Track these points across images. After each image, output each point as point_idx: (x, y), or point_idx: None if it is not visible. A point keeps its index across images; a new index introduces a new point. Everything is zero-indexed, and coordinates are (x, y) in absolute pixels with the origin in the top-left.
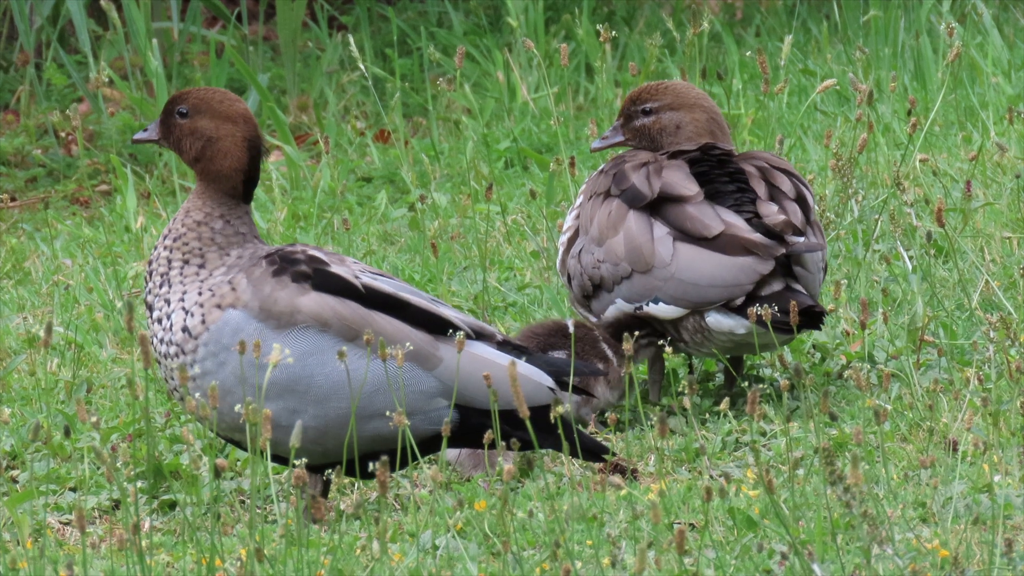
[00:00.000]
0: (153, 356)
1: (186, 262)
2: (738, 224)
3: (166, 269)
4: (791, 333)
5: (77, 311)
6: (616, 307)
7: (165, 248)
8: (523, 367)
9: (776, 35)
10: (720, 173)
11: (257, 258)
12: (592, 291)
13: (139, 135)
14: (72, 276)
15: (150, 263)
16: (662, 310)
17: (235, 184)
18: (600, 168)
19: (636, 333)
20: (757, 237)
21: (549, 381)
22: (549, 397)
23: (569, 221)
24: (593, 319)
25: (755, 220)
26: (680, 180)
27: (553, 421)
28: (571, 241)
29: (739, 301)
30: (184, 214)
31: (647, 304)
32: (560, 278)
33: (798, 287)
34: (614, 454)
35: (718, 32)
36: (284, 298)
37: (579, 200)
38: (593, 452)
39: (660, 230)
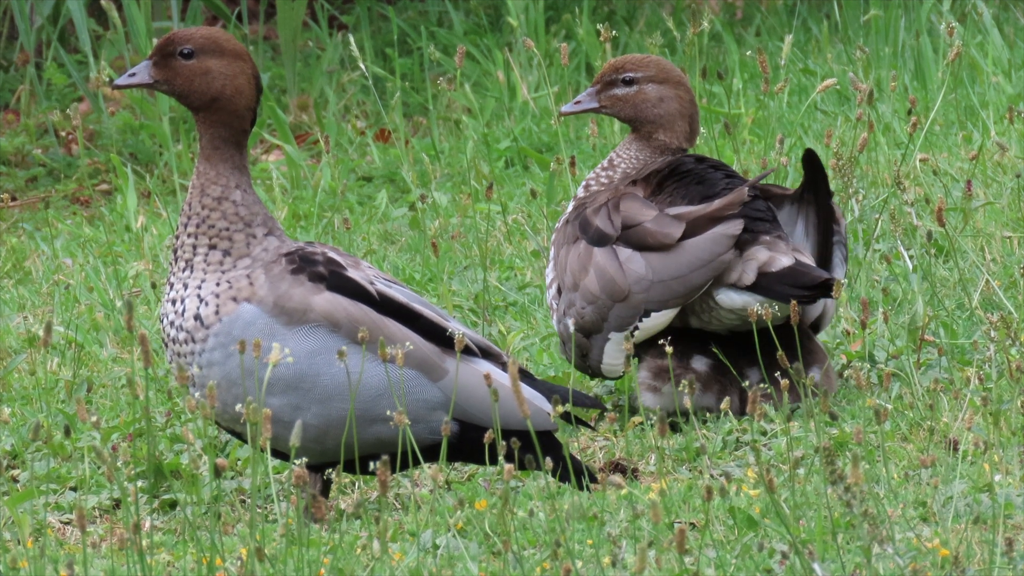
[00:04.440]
0: (158, 339)
1: (212, 247)
2: (693, 209)
3: (191, 255)
4: (804, 303)
5: (77, 310)
6: (613, 343)
7: (189, 235)
8: (525, 389)
9: (776, 35)
10: (705, 166)
11: (278, 255)
12: (587, 343)
13: (124, 80)
14: (72, 275)
15: (175, 251)
16: (655, 321)
17: (246, 125)
18: (564, 217)
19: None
20: (715, 204)
21: (549, 408)
22: (548, 423)
23: (549, 275)
24: (597, 389)
25: (706, 201)
26: (638, 209)
27: (553, 420)
28: (559, 292)
29: (749, 279)
30: (200, 194)
31: (640, 320)
32: (560, 348)
33: (807, 260)
34: (594, 479)
35: (718, 32)
36: (298, 295)
37: (552, 252)
38: (581, 475)
39: (624, 252)
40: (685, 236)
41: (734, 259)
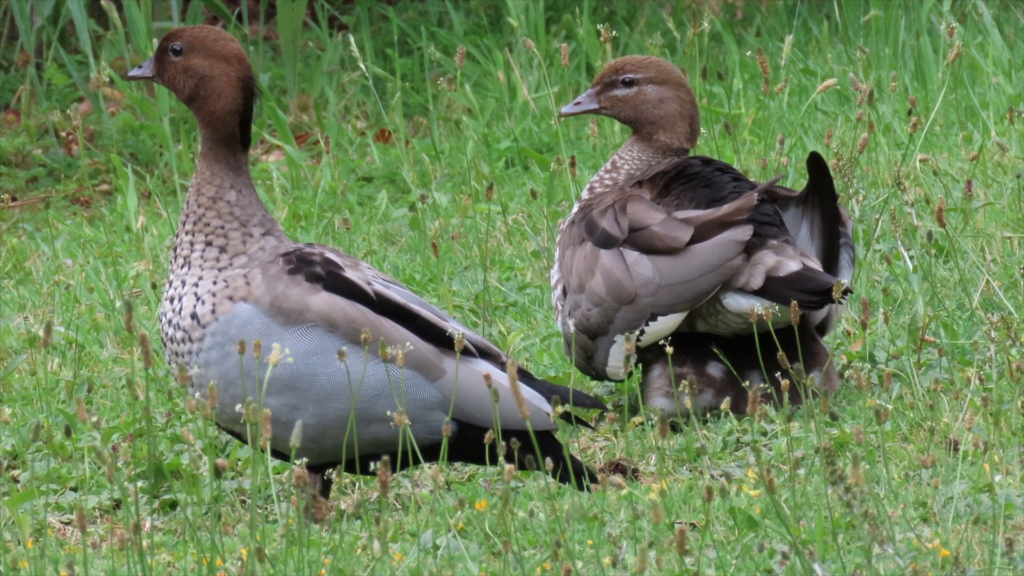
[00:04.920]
0: (158, 339)
1: (209, 243)
2: (702, 213)
3: (188, 252)
4: (811, 308)
5: (78, 311)
6: (619, 345)
7: (187, 233)
8: (524, 389)
9: (777, 35)
10: (711, 169)
11: (276, 255)
12: (592, 344)
13: (134, 71)
14: (73, 276)
15: (175, 249)
16: (662, 325)
17: (232, 128)
18: (570, 219)
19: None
20: (724, 208)
21: (549, 408)
22: (548, 424)
23: (554, 275)
24: (597, 389)
25: (713, 205)
26: (645, 211)
27: (552, 420)
28: (564, 293)
29: (756, 284)
30: (196, 193)
31: (646, 324)
32: (565, 348)
33: (814, 265)
34: (595, 479)
35: (718, 32)
36: (295, 296)
37: (557, 253)
38: (582, 476)
39: (631, 255)
40: (693, 240)
41: (742, 263)
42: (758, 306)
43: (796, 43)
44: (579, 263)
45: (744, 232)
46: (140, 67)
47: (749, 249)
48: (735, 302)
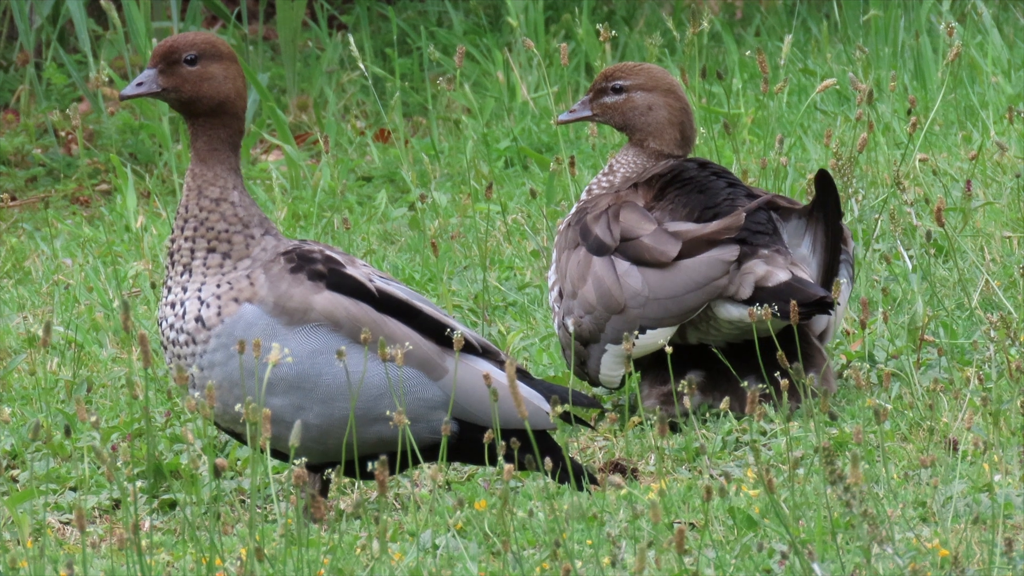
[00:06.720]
0: (157, 340)
1: (212, 250)
2: (691, 227)
3: (189, 259)
4: (800, 319)
5: (77, 310)
6: (610, 354)
7: (187, 239)
8: (524, 388)
9: (776, 35)
10: (707, 173)
11: (276, 254)
12: (585, 350)
13: (132, 91)
14: (72, 275)
15: (171, 254)
16: (651, 339)
17: (243, 126)
18: (566, 221)
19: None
20: (713, 226)
21: (549, 407)
22: (547, 423)
23: (551, 276)
24: (596, 389)
25: (707, 213)
26: (636, 221)
27: (552, 420)
28: (561, 296)
29: (745, 293)
30: (198, 195)
31: (635, 337)
32: (561, 351)
33: (804, 276)
34: (594, 479)
35: (718, 32)
36: (298, 295)
37: (554, 255)
38: (581, 476)
39: (622, 265)
40: (681, 256)
41: (732, 272)
42: (756, 308)
43: (795, 43)
44: (573, 268)
45: (731, 252)
46: (139, 84)
47: (740, 258)
48: (726, 311)
